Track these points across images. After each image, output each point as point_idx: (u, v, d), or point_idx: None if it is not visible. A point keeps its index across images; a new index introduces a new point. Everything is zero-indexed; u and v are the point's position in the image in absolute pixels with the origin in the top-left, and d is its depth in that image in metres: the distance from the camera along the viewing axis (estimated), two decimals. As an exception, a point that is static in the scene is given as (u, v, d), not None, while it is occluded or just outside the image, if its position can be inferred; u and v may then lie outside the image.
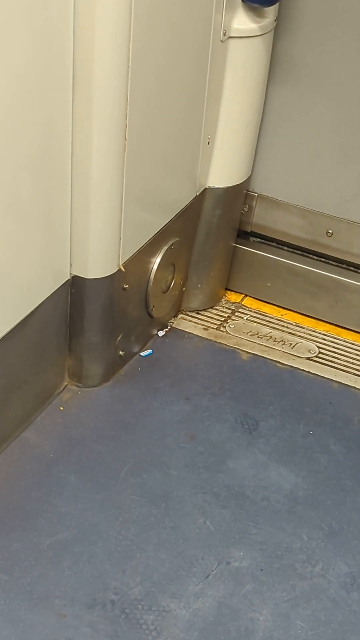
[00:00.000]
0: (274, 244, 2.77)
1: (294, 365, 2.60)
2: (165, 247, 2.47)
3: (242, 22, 2.33)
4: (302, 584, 2.03)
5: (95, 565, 2.02)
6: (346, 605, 2.00)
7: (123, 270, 2.31)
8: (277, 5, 2.37)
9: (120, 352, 2.47)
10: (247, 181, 2.65)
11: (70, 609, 1.93)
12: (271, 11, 2.37)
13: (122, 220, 2.22)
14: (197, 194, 2.53)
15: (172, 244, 2.50)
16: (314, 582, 2.04)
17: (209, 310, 2.76)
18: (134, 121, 2.09)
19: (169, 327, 2.68)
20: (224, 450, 2.31)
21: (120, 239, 2.25)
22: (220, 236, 2.66)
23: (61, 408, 2.37)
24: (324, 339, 2.70)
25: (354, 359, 2.64)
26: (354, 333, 2.72)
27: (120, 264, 2.30)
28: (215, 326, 2.71)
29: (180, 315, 2.72)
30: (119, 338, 2.43)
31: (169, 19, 2.11)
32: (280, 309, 2.79)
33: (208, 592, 2.00)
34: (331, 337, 2.71)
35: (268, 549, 2.09)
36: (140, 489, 2.19)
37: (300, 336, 2.70)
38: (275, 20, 2.40)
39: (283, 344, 2.66)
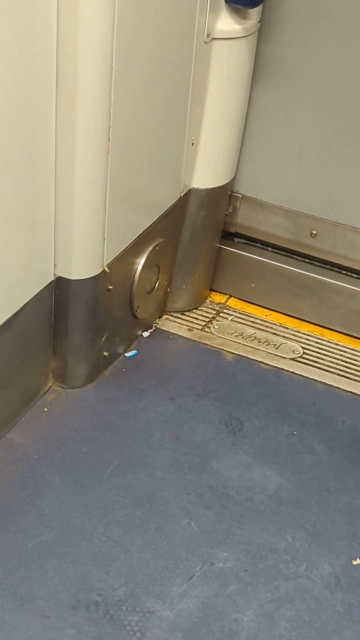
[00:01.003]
0: (259, 244, 2.77)
1: (278, 366, 2.60)
2: (150, 248, 2.47)
3: (226, 23, 2.33)
4: (286, 585, 2.04)
5: (79, 567, 2.02)
6: (330, 605, 2.00)
7: (107, 271, 2.31)
8: (260, 6, 2.37)
9: (105, 353, 2.47)
10: (232, 182, 2.65)
11: (54, 611, 1.93)
12: (255, 13, 2.38)
13: (106, 221, 2.22)
14: (182, 195, 2.54)
15: (157, 245, 2.50)
16: (298, 583, 2.04)
17: (194, 311, 2.77)
18: (117, 122, 2.09)
19: (153, 328, 2.68)
20: (208, 451, 2.31)
21: (104, 239, 2.25)
22: (204, 237, 2.67)
23: (45, 409, 2.37)
24: (308, 340, 2.71)
25: (338, 359, 2.64)
26: (338, 333, 2.73)
27: (105, 265, 2.30)
28: (200, 327, 2.71)
29: (164, 316, 2.73)
30: (103, 339, 2.43)
31: (152, 20, 2.11)
32: (265, 310, 2.79)
33: (192, 593, 2.00)
34: (315, 337, 2.72)
35: (252, 550, 2.10)
36: (125, 490, 2.19)
37: (284, 337, 2.71)
38: (259, 22, 2.41)
39: (267, 345, 2.67)
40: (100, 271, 2.29)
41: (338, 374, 2.59)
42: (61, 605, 1.94)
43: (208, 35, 2.32)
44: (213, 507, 2.18)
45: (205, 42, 2.32)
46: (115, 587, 1.99)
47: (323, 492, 2.24)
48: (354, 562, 2.09)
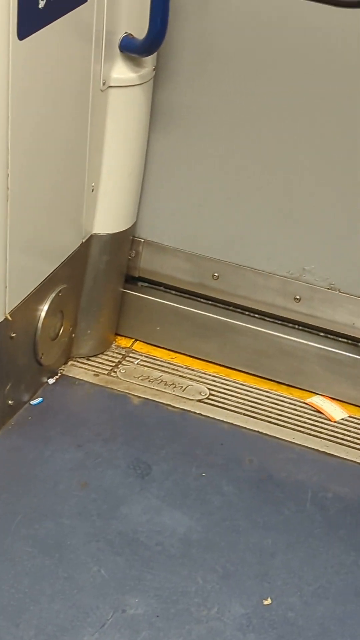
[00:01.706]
0: (162, 288, 2.79)
1: (185, 408, 2.61)
2: (53, 295, 2.47)
3: (122, 71, 2.36)
4: (198, 628, 2.03)
5: (-13, 621, 1.98)
6: (242, 646, 2.01)
7: (10, 319, 2.29)
8: (155, 54, 2.41)
9: (10, 402, 2.45)
10: (133, 227, 2.67)
11: None
12: (150, 60, 2.41)
13: (7, 269, 2.21)
14: (84, 240, 2.54)
15: (60, 291, 2.49)
16: (210, 626, 2.04)
17: (100, 355, 2.76)
18: (16, 170, 2.09)
19: (59, 375, 2.66)
20: (117, 497, 2.30)
21: (5, 287, 2.24)
22: (108, 282, 2.67)
23: None
24: (214, 381, 2.72)
25: (244, 399, 2.67)
26: (243, 374, 2.75)
27: (7, 312, 2.28)
28: (106, 372, 2.71)
29: (70, 362, 2.71)
30: (7, 387, 2.41)
31: (47, 69, 2.12)
32: (170, 352, 2.80)
33: (104, 642, 1.98)
34: (221, 378, 2.74)
35: (163, 595, 2.09)
36: (33, 539, 2.16)
37: (190, 378, 2.72)
38: (154, 69, 2.44)
39: (174, 387, 2.68)
40: (2, 319, 2.27)
41: (244, 414, 2.61)
42: (-31, 662, 1.90)
43: (104, 83, 2.34)
44: (123, 553, 2.16)
45: (101, 90, 2.34)
46: (25, 639, 1.95)
47: (233, 533, 2.25)
48: (265, 602, 2.10)
